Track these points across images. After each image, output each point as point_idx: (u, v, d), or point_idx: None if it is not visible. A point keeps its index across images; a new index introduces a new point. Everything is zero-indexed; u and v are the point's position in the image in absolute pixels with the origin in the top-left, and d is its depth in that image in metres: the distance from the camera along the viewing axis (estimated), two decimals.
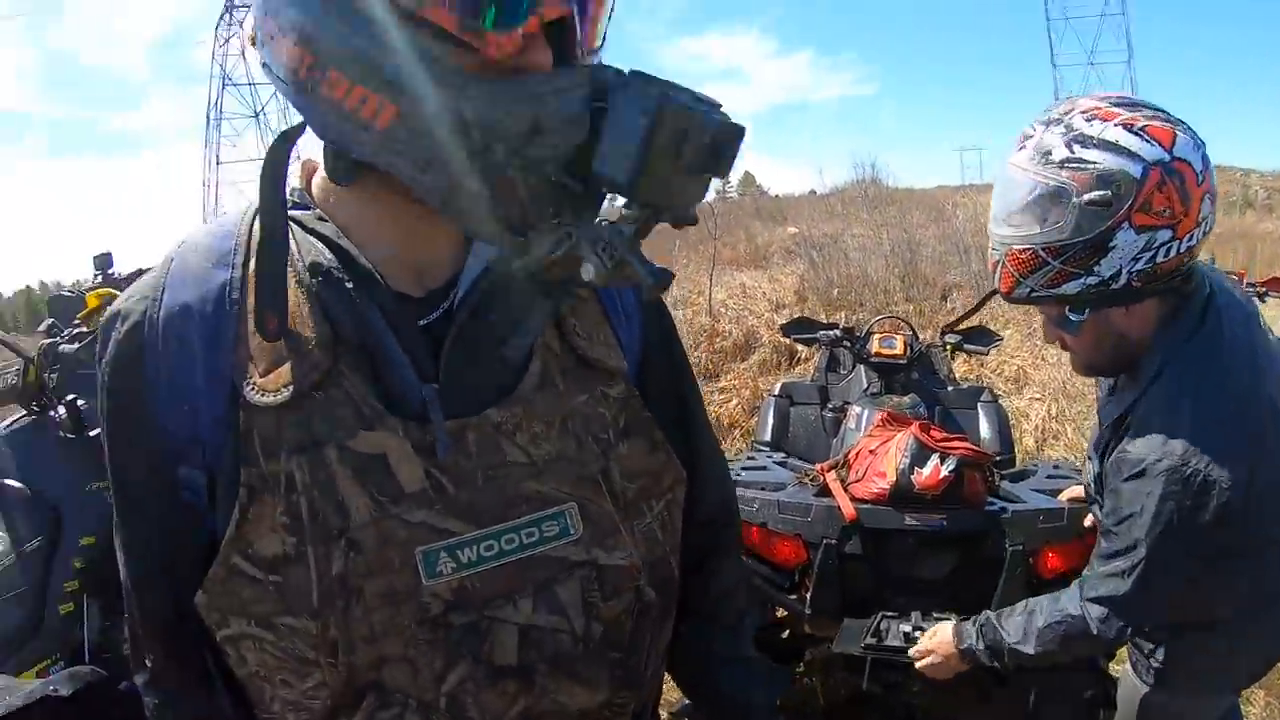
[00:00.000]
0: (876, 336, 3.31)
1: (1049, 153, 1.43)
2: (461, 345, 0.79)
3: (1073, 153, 1.40)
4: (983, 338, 3.35)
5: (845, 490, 2.20)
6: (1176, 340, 1.48)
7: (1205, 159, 1.40)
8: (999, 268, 1.54)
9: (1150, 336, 1.51)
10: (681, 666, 1.16)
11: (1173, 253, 1.39)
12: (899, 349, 3.24)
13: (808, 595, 2.17)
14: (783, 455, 2.80)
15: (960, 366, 6.74)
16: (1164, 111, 1.43)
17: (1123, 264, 1.40)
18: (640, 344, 0.95)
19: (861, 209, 12.59)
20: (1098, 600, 1.53)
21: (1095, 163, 1.38)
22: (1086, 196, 1.37)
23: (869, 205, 12.49)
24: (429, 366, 0.78)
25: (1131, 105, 1.42)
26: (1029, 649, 1.63)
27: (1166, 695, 1.79)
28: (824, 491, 2.24)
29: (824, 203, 16.08)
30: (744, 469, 2.50)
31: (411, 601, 0.75)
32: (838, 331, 3.36)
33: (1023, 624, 1.65)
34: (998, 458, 2.30)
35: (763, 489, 2.30)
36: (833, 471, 2.30)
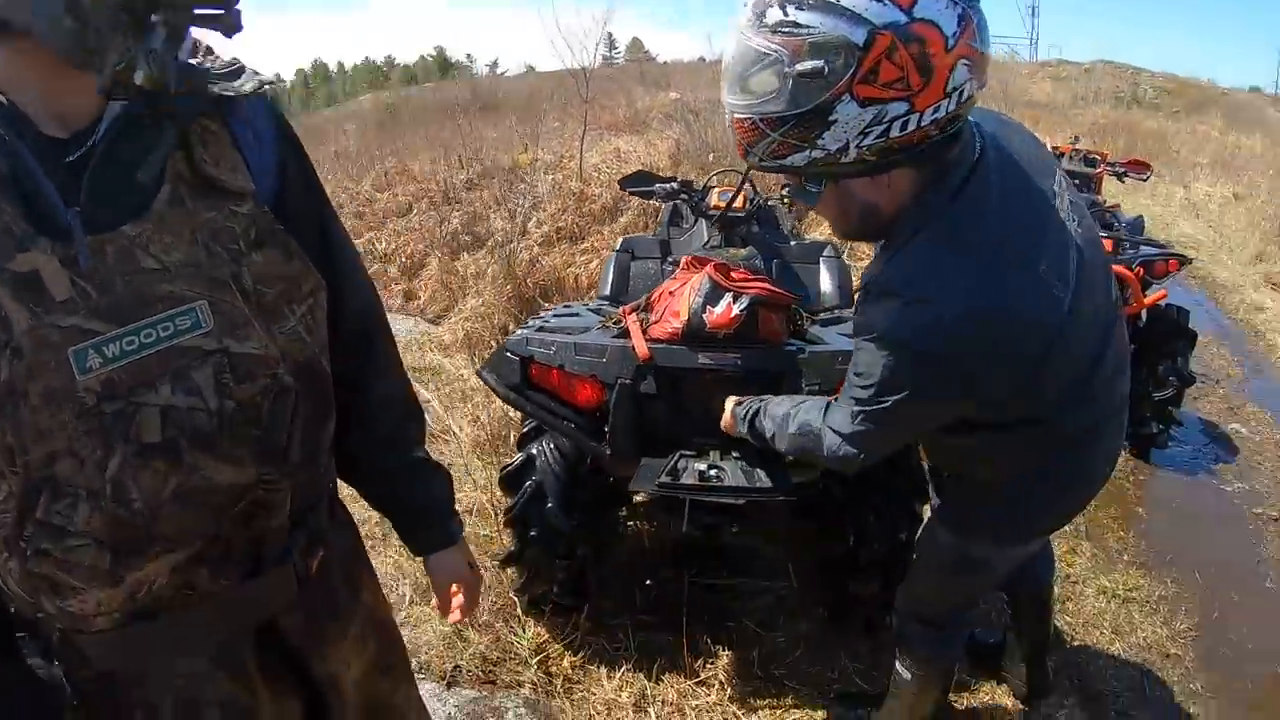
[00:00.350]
0: (716, 190, 3.28)
1: (763, 14, 1.27)
2: (100, 173, 0.90)
3: (786, 15, 1.24)
4: None
5: (644, 332, 2.18)
6: (934, 206, 1.41)
7: (964, 17, 1.23)
8: (731, 131, 1.42)
9: (905, 206, 1.44)
10: (362, 483, 1.38)
11: (910, 126, 1.27)
12: (738, 202, 3.20)
13: (607, 437, 2.17)
14: (604, 304, 2.77)
15: (810, 231, 6.84)
16: None
17: (849, 138, 1.28)
18: (275, 169, 1.08)
19: None
20: (834, 429, 1.61)
21: (810, 27, 1.22)
22: (799, 66, 1.23)
23: None
24: (74, 194, 0.89)
25: None
26: (780, 446, 1.82)
27: (951, 537, 1.91)
28: (625, 333, 2.21)
29: (710, 70, 15.75)
30: (554, 316, 2.46)
31: (69, 397, 0.88)
32: (675, 184, 3.29)
33: (779, 424, 1.80)
34: (833, 308, 2.31)
35: (567, 334, 2.26)
36: (634, 313, 2.27)
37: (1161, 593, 3.30)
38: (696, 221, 3.53)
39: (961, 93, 1.27)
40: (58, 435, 0.88)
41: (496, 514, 3.14)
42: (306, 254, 1.07)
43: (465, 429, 3.92)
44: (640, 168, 8.40)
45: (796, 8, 1.24)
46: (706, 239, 3.32)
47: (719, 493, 2.06)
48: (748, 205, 3.22)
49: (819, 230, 6.82)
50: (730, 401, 2.02)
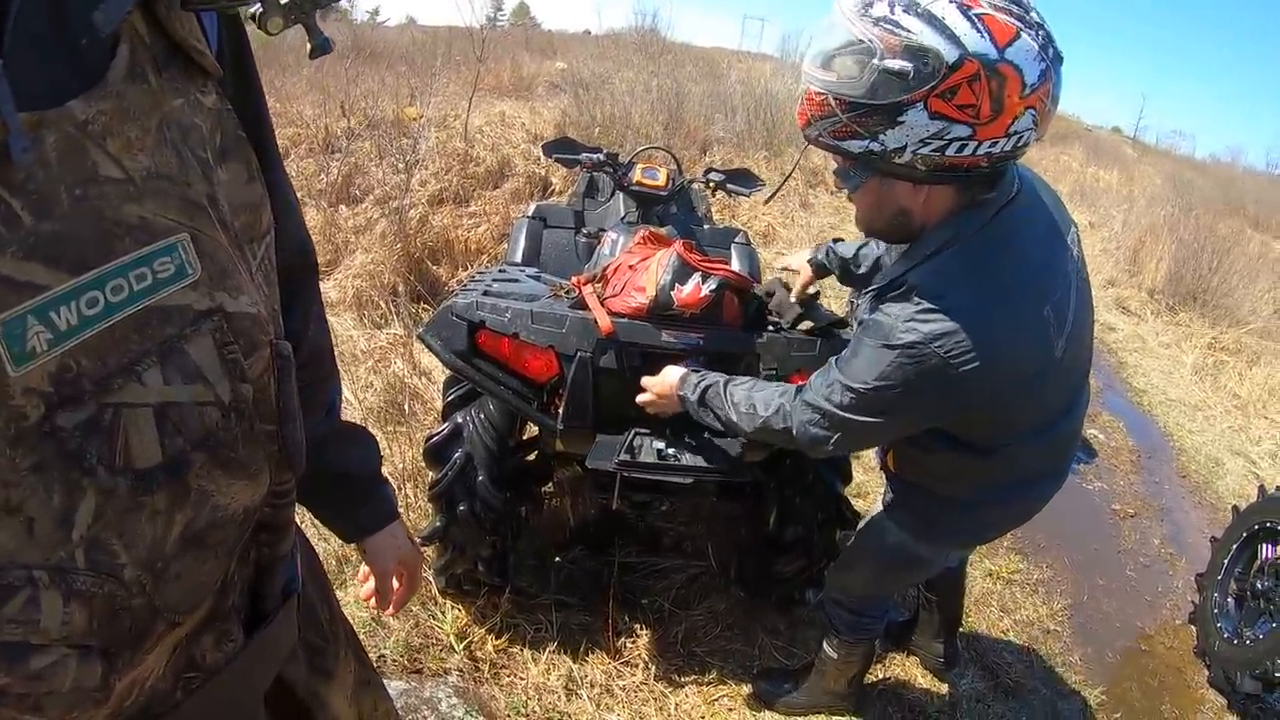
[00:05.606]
0: (640, 166, 3.21)
1: (871, 4, 1.33)
2: (29, 11, 0.52)
3: (893, 13, 1.31)
4: (745, 180, 3.34)
5: (602, 304, 2.11)
6: (963, 229, 1.47)
7: (1046, 74, 1.32)
8: (800, 102, 1.47)
9: (937, 223, 1.51)
10: None
11: (966, 151, 1.35)
12: (661, 180, 3.17)
13: (559, 410, 2.10)
14: (535, 271, 2.68)
15: (716, 215, 6.92)
16: (1024, 8, 1.32)
17: (908, 142, 1.35)
18: (217, 51, 0.74)
19: (635, 55, 12.34)
20: (812, 405, 1.63)
21: (911, 31, 1.29)
22: (887, 62, 1.29)
23: (644, 53, 12.24)
24: None
25: None
26: (742, 425, 1.79)
27: (904, 537, 1.99)
28: (580, 304, 2.13)
29: (597, 43, 15.65)
30: (495, 280, 2.35)
31: None
32: (602, 155, 3.21)
33: (743, 403, 1.78)
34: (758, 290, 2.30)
35: (516, 300, 2.16)
36: (589, 285, 2.19)
37: (1039, 576, 3.59)
38: (614, 195, 3.48)
39: (1020, 137, 1.36)
40: None
41: (403, 487, 3.00)
42: None
43: (360, 395, 3.72)
44: (526, 134, 8.30)
45: (905, 10, 1.30)
46: (624, 213, 3.28)
47: (676, 471, 2.03)
48: (670, 184, 3.18)
49: (730, 217, 6.92)
50: (674, 369, 1.97)
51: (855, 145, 1.40)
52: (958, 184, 1.45)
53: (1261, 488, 3.66)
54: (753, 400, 1.77)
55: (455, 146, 7.29)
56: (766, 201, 2.35)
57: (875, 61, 1.30)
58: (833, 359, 1.64)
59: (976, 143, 1.34)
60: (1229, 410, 6.73)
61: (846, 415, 1.57)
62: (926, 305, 1.42)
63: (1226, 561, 3.40)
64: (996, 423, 1.63)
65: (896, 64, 1.28)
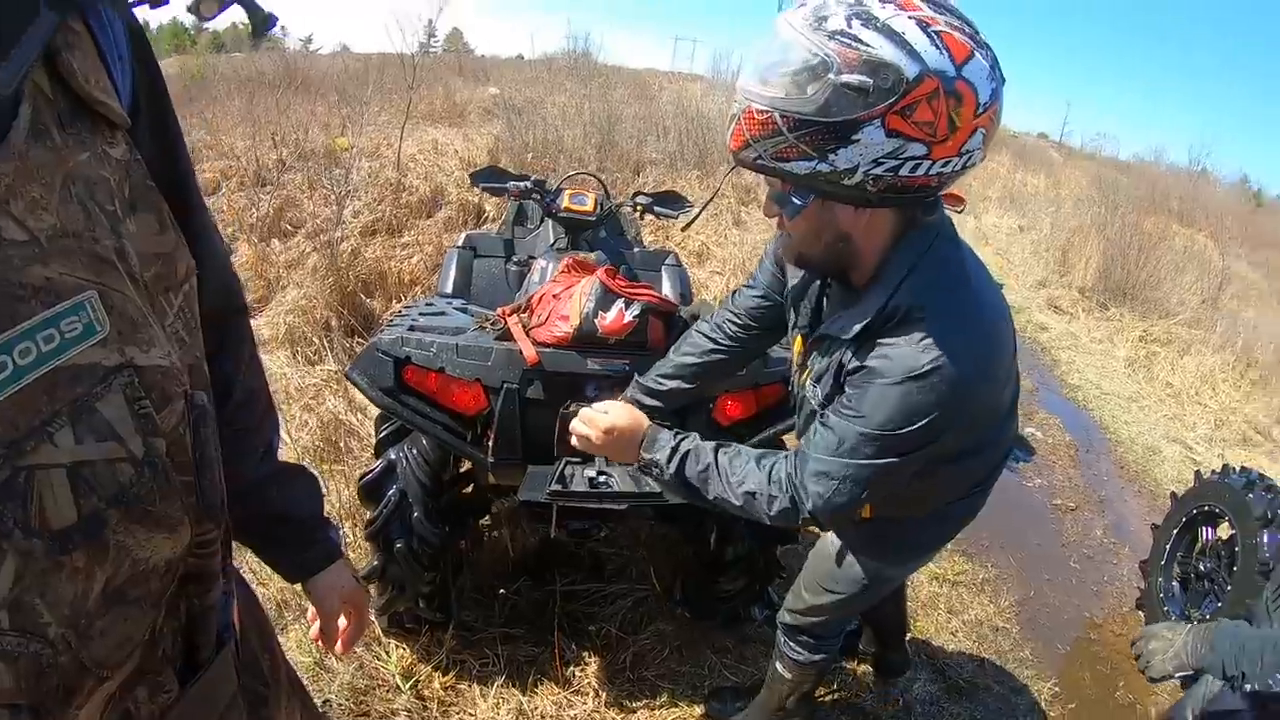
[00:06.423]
0: (568, 192, 3.22)
1: (825, 18, 1.25)
2: None
3: (850, 27, 1.23)
4: (673, 202, 3.36)
5: (527, 334, 2.10)
6: (918, 247, 1.42)
7: (996, 93, 1.27)
8: (734, 122, 1.34)
9: (879, 249, 1.44)
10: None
11: (920, 171, 1.28)
12: (589, 206, 3.17)
13: (489, 444, 2.08)
14: (463, 302, 2.65)
15: (648, 237, 6.96)
16: (974, 28, 1.27)
17: (861, 162, 1.27)
18: (131, 99, 0.74)
19: (568, 79, 12.38)
20: (826, 476, 1.48)
21: (870, 46, 1.21)
22: (844, 77, 1.21)
23: (576, 77, 12.29)
24: None
25: (941, 7, 1.26)
26: (730, 498, 1.57)
27: (872, 563, 1.96)
28: (505, 336, 2.12)
29: (531, 68, 15.68)
30: (421, 314, 2.32)
31: None
32: (529, 183, 3.20)
33: (731, 479, 1.57)
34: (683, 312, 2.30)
35: (441, 333, 2.14)
36: (515, 315, 2.18)
37: (985, 575, 3.64)
38: (543, 222, 3.47)
39: (970, 157, 1.30)
40: None
41: (343, 525, 2.95)
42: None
43: (296, 434, 3.65)
44: (460, 162, 8.25)
45: (863, 24, 1.22)
46: (553, 240, 3.28)
47: (609, 499, 2.01)
48: (597, 210, 3.18)
49: (664, 238, 6.95)
50: (630, 414, 1.70)
51: (801, 166, 1.30)
52: (901, 207, 1.40)
53: (1198, 473, 3.78)
54: (744, 472, 1.57)
55: (388, 176, 7.24)
56: (684, 228, 2.30)
57: (831, 76, 1.22)
58: (819, 426, 1.51)
59: (930, 162, 1.28)
60: (1163, 399, 6.93)
61: (874, 463, 1.44)
62: (939, 323, 1.37)
63: (1169, 547, 3.53)
64: (991, 423, 1.63)
65: (855, 79, 1.21)
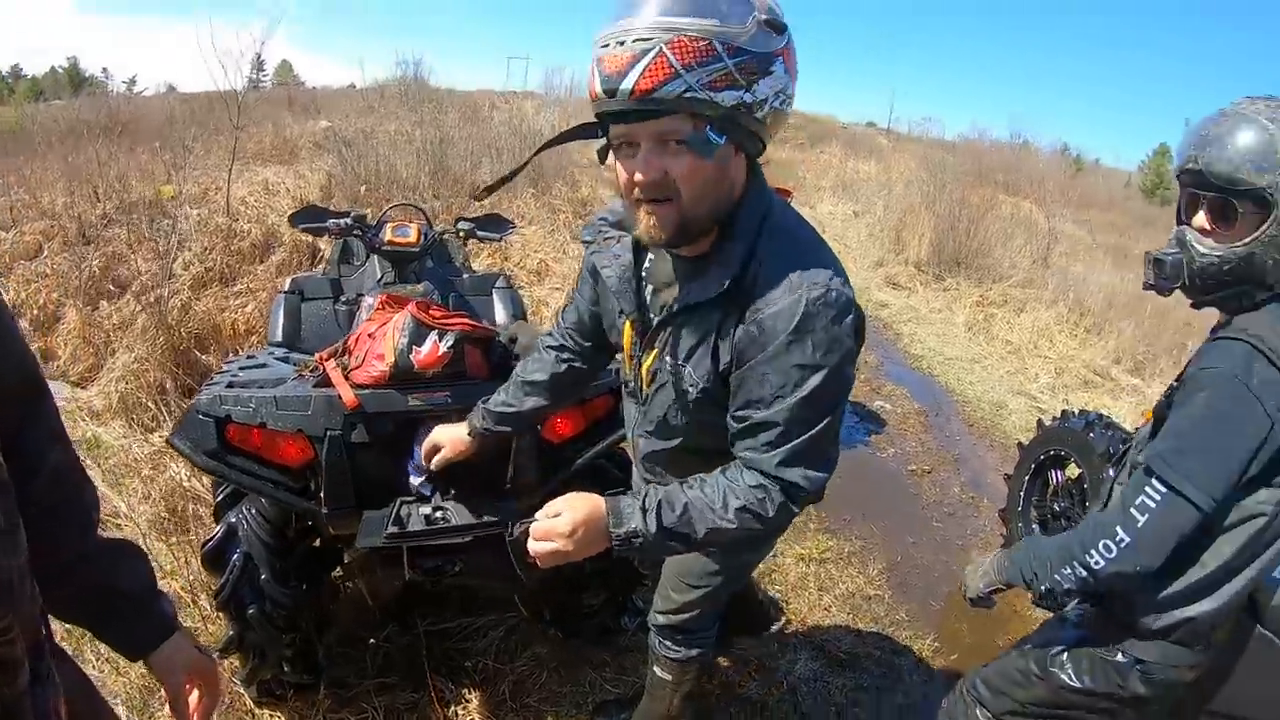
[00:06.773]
0: (390, 225, 3.16)
1: None
2: None
3: None
4: (496, 225, 3.35)
5: (346, 377, 2.04)
6: (762, 202, 1.46)
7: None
8: (645, 59, 1.25)
9: (735, 202, 1.44)
10: (44, 585, 0.94)
11: (787, 107, 1.38)
12: (412, 237, 3.12)
13: (321, 494, 2.01)
14: (285, 351, 2.56)
15: (485, 259, 6.90)
16: None
17: (769, 94, 1.31)
18: None
19: (399, 106, 12.14)
20: (803, 463, 1.46)
21: None
22: (765, 16, 1.28)
23: (408, 103, 12.06)
24: None
25: None
26: (729, 524, 1.47)
27: (741, 554, 2.00)
28: (325, 382, 2.06)
29: (363, 97, 15.30)
30: (241, 369, 2.23)
31: None
32: (349, 220, 3.13)
33: (715, 505, 1.48)
34: (501, 336, 2.28)
35: (261, 387, 2.06)
36: (333, 360, 2.12)
37: (850, 549, 3.76)
38: (369, 258, 3.40)
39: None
40: None
41: (197, 599, 2.80)
42: None
43: (138, 508, 3.45)
44: (292, 201, 7.97)
45: None
46: (380, 275, 3.21)
47: (449, 534, 1.98)
48: (421, 240, 3.14)
49: (502, 259, 6.90)
50: (581, 500, 1.47)
51: (729, 96, 1.28)
52: (757, 154, 1.44)
53: (1040, 421, 4.01)
54: (725, 504, 1.47)
55: (218, 222, 6.90)
56: (480, 197, 2.14)
57: (756, 12, 1.28)
58: (756, 421, 1.45)
59: (790, 99, 1.37)
60: (1004, 357, 7.35)
61: (828, 412, 1.45)
62: (815, 254, 1.42)
63: (1023, 493, 3.76)
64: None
65: (772, 17, 1.30)
